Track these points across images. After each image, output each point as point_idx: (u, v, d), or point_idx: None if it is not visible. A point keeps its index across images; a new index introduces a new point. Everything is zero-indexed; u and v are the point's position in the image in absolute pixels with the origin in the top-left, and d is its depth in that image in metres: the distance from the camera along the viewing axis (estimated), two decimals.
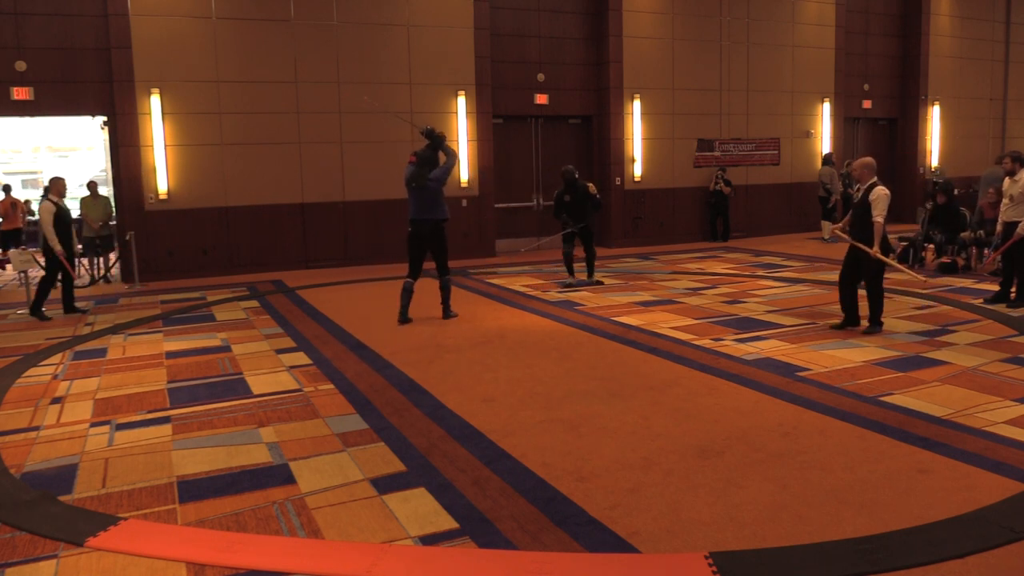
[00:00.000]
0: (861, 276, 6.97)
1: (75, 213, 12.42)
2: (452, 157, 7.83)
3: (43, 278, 8.95)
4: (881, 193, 6.73)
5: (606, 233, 14.16)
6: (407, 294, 7.94)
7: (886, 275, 7.22)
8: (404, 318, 7.92)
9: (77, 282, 11.42)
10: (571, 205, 9.80)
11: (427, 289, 8.95)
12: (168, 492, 3.92)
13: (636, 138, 14.42)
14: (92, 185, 11.84)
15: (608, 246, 14.09)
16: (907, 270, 7.56)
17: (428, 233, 7.78)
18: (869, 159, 6.98)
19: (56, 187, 8.97)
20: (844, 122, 16.81)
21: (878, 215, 6.68)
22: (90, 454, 4.48)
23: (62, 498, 3.87)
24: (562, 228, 10.01)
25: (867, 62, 17.33)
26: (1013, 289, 8.14)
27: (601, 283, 10.17)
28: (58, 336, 7.79)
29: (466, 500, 3.73)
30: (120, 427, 4.93)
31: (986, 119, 18.79)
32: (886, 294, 8.84)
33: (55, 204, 8.74)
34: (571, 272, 10.11)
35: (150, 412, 5.24)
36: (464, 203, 13.11)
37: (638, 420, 4.83)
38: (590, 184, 9.94)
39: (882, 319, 7.05)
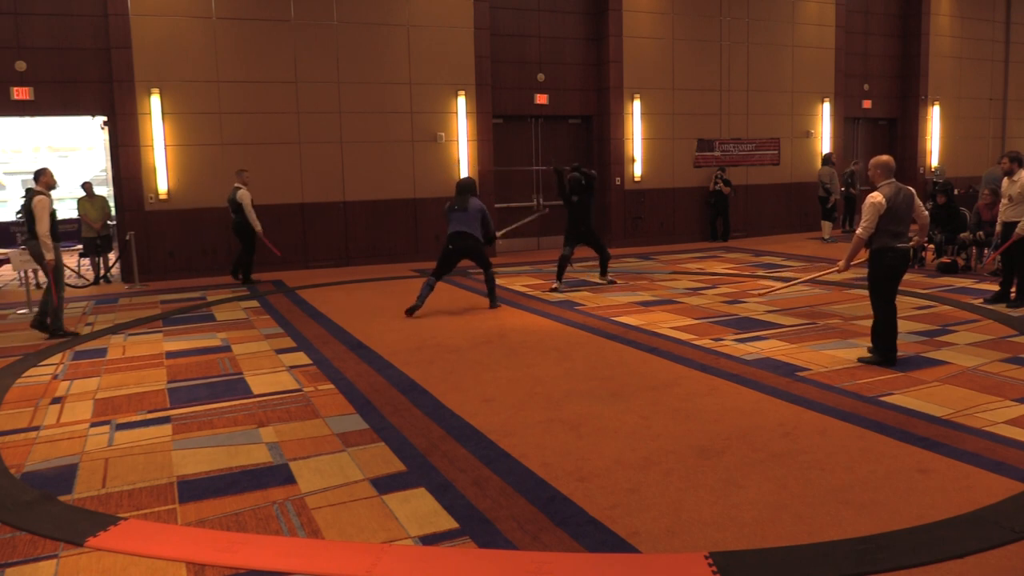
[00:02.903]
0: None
1: (74, 214, 12.46)
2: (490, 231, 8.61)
3: (241, 254, 10.95)
4: (866, 202, 5.77)
5: (606, 233, 14.13)
6: (429, 288, 8.32)
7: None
8: (417, 307, 8.24)
9: (77, 282, 11.48)
10: (577, 207, 9.64)
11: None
12: (168, 492, 3.92)
13: (636, 138, 14.42)
14: (87, 186, 11.85)
15: (608, 246, 14.02)
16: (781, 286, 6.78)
17: (468, 247, 8.34)
18: (882, 158, 5.89)
19: (243, 177, 10.89)
20: (844, 122, 16.82)
21: (859, 227, 5.85)
22: (90, 454, 4.48)
23: (62, 498, 3.87)
24: (567, 223, 9.71)
25: (867, 62, 17.33)
26: (1013, 289, 8.14)
27: (614, 282, 10.19)
28: (58, 336, 7.78)
29: (466, 500, 3.73)
30: (120, 427, 4.93)
31: (986, 119, 18.80)
32: None
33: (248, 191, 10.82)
34: (560, 277, 9.82)
35: (150, 412, 5.23)
36: None
37: (638, 420, 4.83)
38: (584, 171, 9.70)
39: (890, 349, 5.95)
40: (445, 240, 8.48)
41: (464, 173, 13.14)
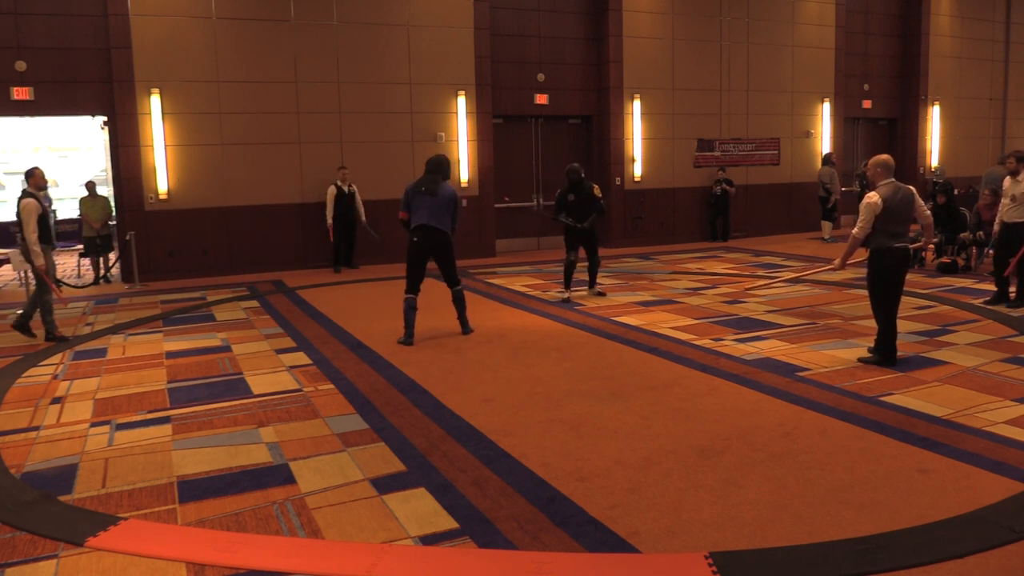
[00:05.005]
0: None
1: (75, 213, 12.48)
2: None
3: (335, 242, 12.00)
4: (863, 202, 5.72)
5: (606, 233, 14.12)
6: (412, 311, 7.07)
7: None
8: (410, 338, 7.06)
9: (78, 282, 11.50)
10: (575, 205, 8.97)
11: (425, 291, 8.85)
12: (168, 492, 3.92)
13: (636, 138, 14.41)
14: (90, 185, 11.84)
15: (608, 246, 14.07)
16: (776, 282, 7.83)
17: (436, 244, 6.99)
18: (882, 157, 5.84)
19: (340, 174, 11.91)
20: (844, 122, 16.81)
21: (855, 227, 5.78)
22: (90, 454, 4.48)
23: (62, 498, 3.87)
24: (564, 226, 9.08)
25: (867, 62, 17.33)
26: (1013, 289, 8.14)
27: (603, 294, 9.31)
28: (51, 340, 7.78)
29: (466, 500, 3.73)
30: (120, 427, 4.93)
31: (986, 119, 18.80)
32: None
33: (338, 188, 11.85)
34: (568, 284, 9.06)
35: (150, 412, 5.23)
36: (464, 203, 13.09)
37: (638, 420, 4.83)
38: (595, 186, 9.10)
39: (890, 349, 5.92)
40: (409, 235, 7.05)
41: (464, 174, 13.13)
